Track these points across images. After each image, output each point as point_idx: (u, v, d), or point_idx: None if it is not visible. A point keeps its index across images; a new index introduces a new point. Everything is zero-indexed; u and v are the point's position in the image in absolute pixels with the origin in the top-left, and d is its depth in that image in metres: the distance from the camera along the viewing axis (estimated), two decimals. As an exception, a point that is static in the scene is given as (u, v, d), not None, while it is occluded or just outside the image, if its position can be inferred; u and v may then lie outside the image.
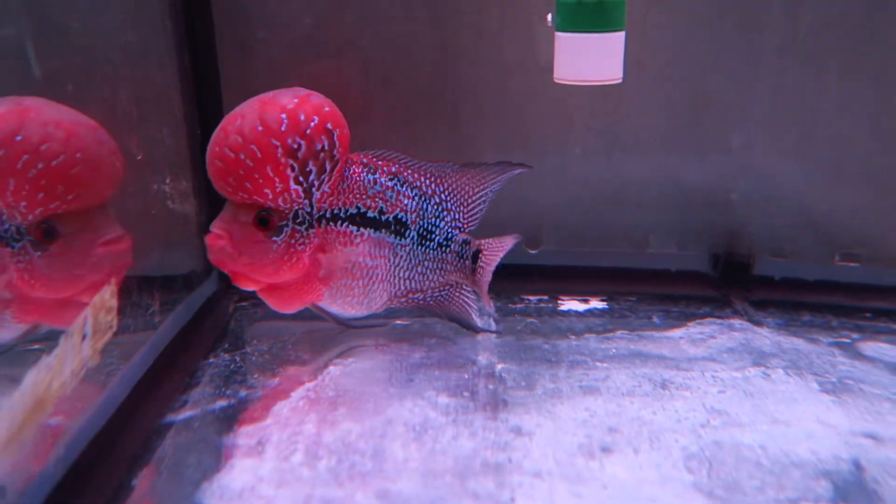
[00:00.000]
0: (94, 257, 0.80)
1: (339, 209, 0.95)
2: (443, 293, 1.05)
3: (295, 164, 0.89)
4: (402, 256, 1.00)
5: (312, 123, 0.89)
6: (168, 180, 1.04)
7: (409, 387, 0.94)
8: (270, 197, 0.90)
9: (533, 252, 1.27)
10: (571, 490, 0.73)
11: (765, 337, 1.05)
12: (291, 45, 1.19)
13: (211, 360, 1.01)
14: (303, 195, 0.92)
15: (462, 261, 1.04)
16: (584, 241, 1.26)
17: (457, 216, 1.04)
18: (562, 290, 1.22)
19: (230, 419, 0.87)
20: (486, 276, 1.06)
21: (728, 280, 1.21)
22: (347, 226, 0.96)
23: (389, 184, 0.99)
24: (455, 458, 0.79)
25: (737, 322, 1.10)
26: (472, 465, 0.78)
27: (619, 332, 1.08)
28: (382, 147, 1.04)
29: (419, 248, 1.01)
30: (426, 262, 1.02)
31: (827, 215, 1.19)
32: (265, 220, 0.91)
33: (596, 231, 1.25)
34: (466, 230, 1.05)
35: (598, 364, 0.99)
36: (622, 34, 1.04)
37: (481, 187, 1.06)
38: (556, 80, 1.09)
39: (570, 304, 1.19)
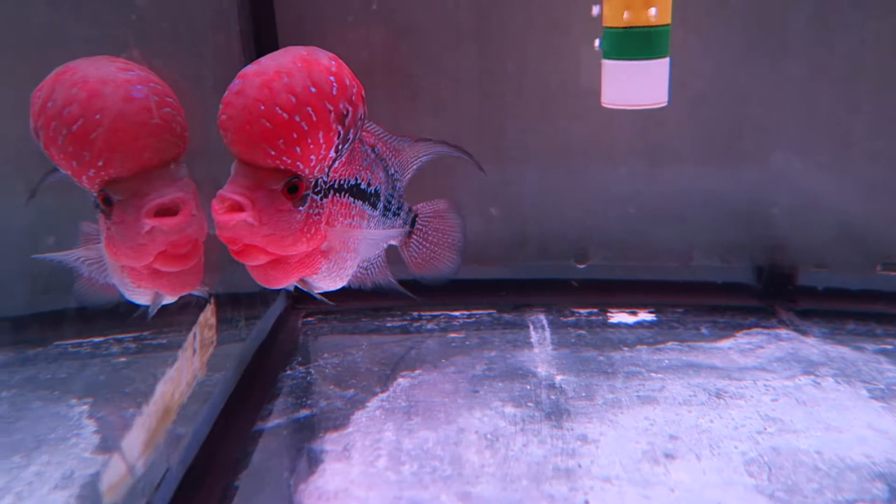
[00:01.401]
0: (143, 226, 0.68)
1: (345, 180, 0.89)
2: (378, 261, 1.02)
3: (341, 131, 0.80)
4: (372, 228, 0.96)
5: (355, 89, 0.81)
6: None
7: (475, 398, 1.00)
8: (312, 163, 0.79)
9: (581, 267, 1.33)
10: (640, 493, 0.79)
11: (812, 346, 1.10)
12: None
13: (288, 372, 1.09)
14: (332, 162, 0.83)
15: (405, 227, 1.03)
16: (629, 256, 1.32)
17: (401, 185, 1.02)
18: (610, 304, 1.28)
19: (314, 427, 0.94)
20: (421, 241, 1.06)
21: (772, 291, 1.26)
22: (348, 197, 0.89)
23: (373, 155, 0.95)
24: (528, 464, 0.85)
25: (783, 332, 1.15)
26: (545, 470, 0.84)
27: (669, 344, 1.14)
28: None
29: (382, 218, 0.98)
30: (380, 233, 0.99)
31: (866, 227, 1.24)
32: (295, 188, 0.78)
33: (641, 247, 1.31)
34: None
35: (652, 375, 1.04)
36: (667, 60, 1.10)
37: (416, 158, 1.04)
38: (603, 105, 1.15)
39: (620, 317, 1.25)
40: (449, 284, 1.34)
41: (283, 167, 0.76)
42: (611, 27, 1.07)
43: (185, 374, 0.77)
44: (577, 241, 1.33)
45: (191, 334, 0.79)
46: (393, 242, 1.04)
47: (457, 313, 1.29)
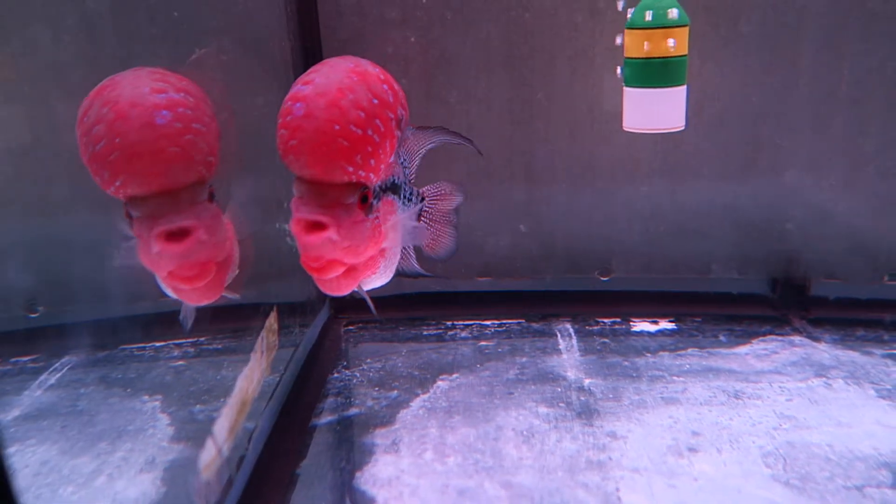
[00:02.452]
0: (154, 247, 0.69)
1: (388, 179, 0.89)
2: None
3: (399, 136, 0.82)
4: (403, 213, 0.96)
5: (401, 93, 0.82)
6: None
7: (510, 399, 1.09)
8: (380, 173, 0.80)
9: (605, 280, 1.41)
10: (667, 483, 0.87)
11: (823, 351, 1.17)
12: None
13: (335, 375, 1.18)
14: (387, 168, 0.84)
15: (416, 207, 1.02)
16: (651, 269, 1.40)
17: (410, 172, 1.02)
18: (633, 314, 1.36)
19: (364, 424, 1.03)
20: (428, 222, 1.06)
21: (786, 301, 1.33)
22: (390, 194, 0.90)
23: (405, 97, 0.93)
24: (562, 457, 0.93)
25: (797, 339, 1.23)
26: (578, 462, 0.92)
27: (689, 350, 1.21)
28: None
29: (404, 208, 0.97)
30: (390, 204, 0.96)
31: (875, 241, 1.31)
32: (366, 198, 0.79)
33: (662, 260, 1.39)
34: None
35: (674, 378, 1.12)
36: (684, 88, 1.19)
37: (421, 146, 1.04)
38: (625, 129, 1.24)
39: (642, 326, 1.33)
40: (482, 296, 1.44)
41: (355, 180, 0.77)
42: (631, 57, 1.16)
43: (256, 372, 0.86)
44: (601, 256, 1.41)
45: (259, 338, 0.89)
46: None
47: (488, 322, 1.37)
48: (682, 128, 1.21)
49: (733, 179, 1.35)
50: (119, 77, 0.70)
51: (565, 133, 1.37)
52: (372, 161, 0.77)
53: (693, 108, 1.22)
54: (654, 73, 1.18)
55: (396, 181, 0.91)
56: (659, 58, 1.16)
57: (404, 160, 1.00)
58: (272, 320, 0.94)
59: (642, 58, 1.16)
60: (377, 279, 0.93)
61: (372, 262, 0.87)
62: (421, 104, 1.38)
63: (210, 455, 0.75)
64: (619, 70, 1.24)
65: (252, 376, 0.84)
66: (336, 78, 0.76)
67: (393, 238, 0.91)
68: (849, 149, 1.30)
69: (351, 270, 0.83)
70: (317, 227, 0.75)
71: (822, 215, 1.33)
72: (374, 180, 0.79)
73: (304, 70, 0.93)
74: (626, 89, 1.19)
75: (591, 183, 1.39)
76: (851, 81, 1.28)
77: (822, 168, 1.32)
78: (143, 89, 0.68)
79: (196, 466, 0.73)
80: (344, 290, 0.87)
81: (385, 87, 0.78)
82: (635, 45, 1.16)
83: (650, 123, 1.23)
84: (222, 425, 0.78)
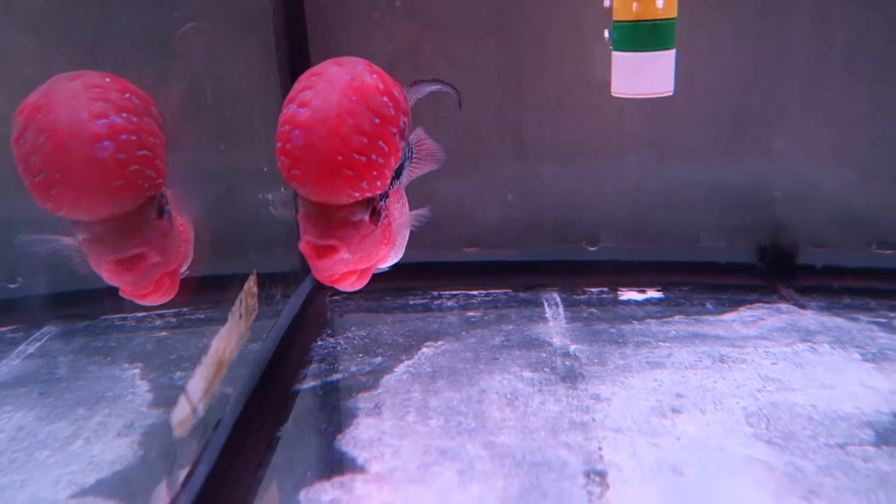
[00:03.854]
0: (104, 274, 0.67)
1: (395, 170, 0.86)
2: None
3: (403, 143, 0.80)
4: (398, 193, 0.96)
5: (402, 98, 0.79)
6: (280, 190, 1.21)
7: (495, 364, 1.08)
8: (387, 183, 0.78)
9: (592, 249, 1.40)
10: (650, 442, 0.86)
11: (810, 318, 1.17)
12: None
13: (319, 342, 1.17)
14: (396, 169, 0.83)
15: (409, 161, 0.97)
16: (638, 239, 1.39)
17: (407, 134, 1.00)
18: (620, 283, 1.36)
19: (346, 389, 1.02)
20: (431, 151, 1.03)
21: (774, 270, 1.33)
22: (395, 182, 0.87)
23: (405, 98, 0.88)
24: (545, 419, 0.92)
25: (784, 306, 1.22)
26: (561, 423, 0.91)
27: (676, 317, 1.21)
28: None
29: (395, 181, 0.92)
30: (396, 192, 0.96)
31: (863, 209, 1.31)
32: (376, 210, 0.79)
33: (650, 230, 1.39)
34: None
35: (660, 344, 1.11)
36: (673, 52, 1.17)
37: (412, 101, 1.02)
38: (613, 94, 1.23)
39: (629, 295, 1.32)
40: (469, 267, 1.43)
41: (361, 198, 0.74)
42: (620, 20, 1.15)
43: (234, 334, 0.85)
44: (589, 226, 1.40)
45: (237, 300, 0.87)
46: None
47: (475, 292, 1.36)
48: (671, 93, 1.20)
49: (722, 149, 1.34)
50: (54, 93, 0.66)
51: (554, 102, 1.36)
52: (378, 181, 0.75)
53: (683, 77, 1.20)
54: (643, 36, 1.17)
55: (401, 163, 0.85)
56: (648, 20, 1.14)
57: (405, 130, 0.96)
58: (251, 283, 0.93)
59: (631, 21, 1.14)
60: (391, 260, 0.92)
61: (385, 255, 0.86)
62: (408, 72, 1.36)
63: (184, 413, 0.74)
64: (607, 34, 1.23)
65: (230, 338, 0.83)
66: (334, 99, 0.73)
67: (401, 223, 0.89)
68: (838, 117, 1.29)
69: (363, 271, 0.83)
70: (328, 250, 0.73)
71: (810, 184, 1.32)
72: (382, 189, 0.77)
73: (285, 34, 0.89)
74: (615, 53, 1.18)
75: (579, 153, 1.38)
76: (841, 47, 1.27)
77: (812, 137, 1.31)
78: (82, 114, 0.64)
79: (169, 423, 0.72)
80: (358, 287, 0.86)
81: (385, 98, 0.75)
82: (624, 7, 1.14)
83: (639, 88, 1.21)
84: (197, 384, 0.76)
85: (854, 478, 0.77)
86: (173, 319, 1.23)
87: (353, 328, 1.23)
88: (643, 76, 1.20)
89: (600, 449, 0.85)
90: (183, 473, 0.73)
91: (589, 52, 1.33)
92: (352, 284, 0.83)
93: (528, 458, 0.84)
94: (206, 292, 1.17)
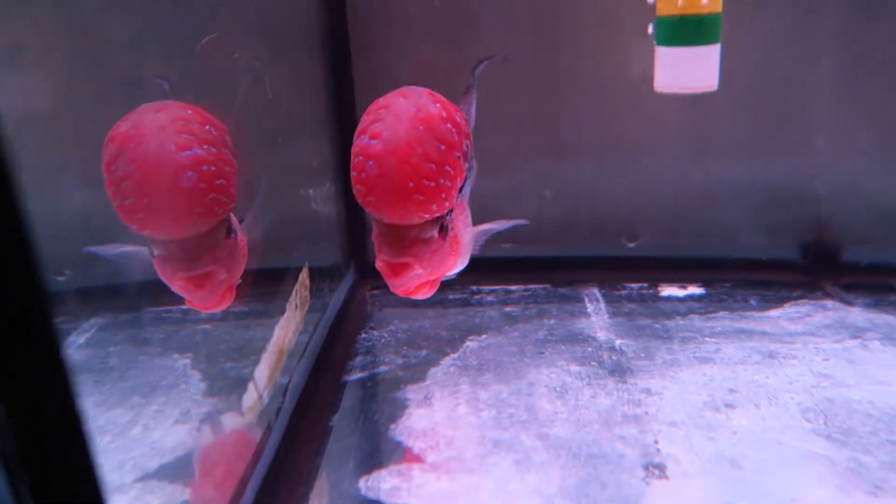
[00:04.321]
0: (175, 286, 0.75)
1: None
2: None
3: (466, 164, 0.86)
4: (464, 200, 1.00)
5: (463, 121, 0.85)
6: (327, 185, 1.21)
7: (541, 358, 1.08)
8: (451, 202, 0.84)
9: (631, 245, 1.40)
10: (705, 436, 0.86)
11: (857, 315, 1.16)
12: (414, 67, 1.36)
13: (363, 335, 1.17)
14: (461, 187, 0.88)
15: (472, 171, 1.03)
16: (678, 235, 1.38)
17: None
18: (660, 279, 1.35)
19: (395, 380, 1.02)
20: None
21: (817, 267, 1.32)
22: (460, 196, 0.91)
23: (465, 121, 0.94)
24: (598, 412, 0.92)
25: (829, 303, 1.21)
26: (614, 416, 0.91)
27: (720, 313, 1.20)
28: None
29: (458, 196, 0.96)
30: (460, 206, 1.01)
31: (908, 207, 1.30)
32: (444, 226, 0.85)
33: (689, 226, 1.38)
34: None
35: (707, 339, 1.11)
36: (718, 46, 1.17)
37: (469, 106, 1.05)
38: (656, 90, 1.22)
39: (670, 291, 1.32)
40: (507, 262, 1.43)
41: (431, 218, 0.81)
42: (665, 15, 1.14)
43: (291, 324, 0.86)
44: (627, 221, 1.40)
45: (293, 291, 0.88)
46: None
47: (513, 287, 1.36)
48: (715, 88, 1.19)
49: (762, 145, 1.33)
50: (143, 124, 0.72)
51: (592, 98, 1.36)
52: (446, 202, 0.82)
53: (723, 73, 1.20)
54: (689, 30, 1.16)
55: (465, 177, 0.91)
56: (694, 15, 1.14)
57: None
58: (304, 276, 0.94)
59: (676, 15, 1.14)
60: (458, 268, 0.97)
61: (452, 265, 0.92)
62: (446, 68, 1.36)
63: (252, 399, 0.75)
64: (650, 28, 1.22)
65: (288, 327, 0.83)
66: (403, 130, 0.79)
67: (467, 233, 0.94)
68: (878, 114, 1.28)
69: (434, 281, 0.89)
70: (403, 267, 0.81)
71: (851, 181, 1.31)
72: (450, 207, 0.83)
73: (329, 34, 0.90)
74: (659, 48, 1.17)
75: (617, 148, 1.37)
76: (883, 43, 1.25)
77: (852, 133, 1.30)
78: (170, 146, 0.71)
79: (240, 408, 0.73)
80: (429, 295, 0.92)
81: (449, 125, 0.80)
82: (669, 2, 1.14)
83: (683, 83, 1.21)
84: (262, 371, 0.77)
85: (919, 473, 0.77)
86: (218, 313, 1.24)
87: (395, 322, 1.23)
88: (687, 71, 1.20)
89: (656, 442, 0.85)
90: (246, 461, 0.74)
91: (626, 46, 1.33)
92: (423, 294, 0.89)
93: (584, 450, 0.84)
94: (251, 286, 1.19)
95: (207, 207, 0.73)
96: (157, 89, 0.84)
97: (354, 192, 0.82)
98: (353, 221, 1.35)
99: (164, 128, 0.72)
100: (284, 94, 1.14)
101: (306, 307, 0.94)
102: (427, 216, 0.81)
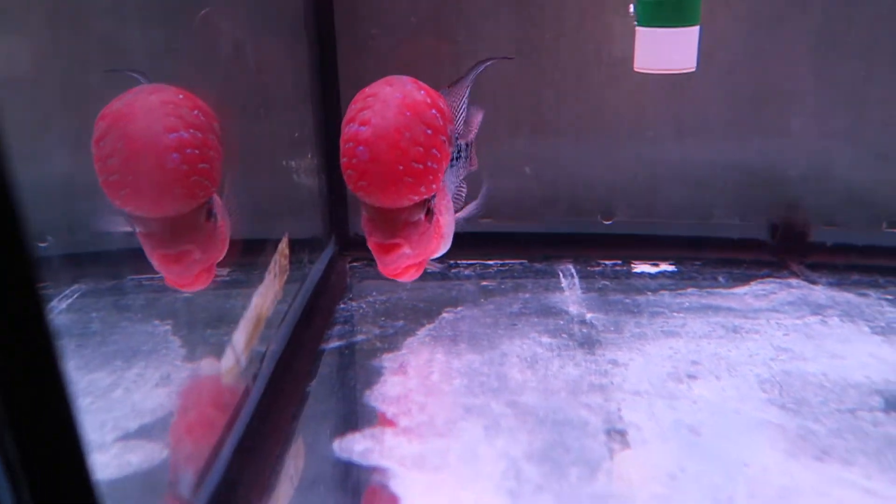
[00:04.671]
0: (154, 263, 0.80)
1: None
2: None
3: (452, 150, 0.91)
4: (450, 181, 1.05)
5: (446, 108, 0.89)
6: (309, 157, 1.23)
7: (514, 330, 1.11)
8: (439, 185, 0.90)
9: (607, 223, 1.43)
10: (667, 404, 0.90)
11: (820, 293, 1.20)
12: (397, 40, 1.37)
13: (342, 305, 1.20)
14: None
15: (466, 161, 1.10)
16: (653, 213, 1.42)
17: (456, 129, 1.06)
18: (633, 257, 1.38)
19: (371, 349, 1.05)
20: (474, 160, 1.14)
21: (785, 247, 1.36)
22: (442, 182, 0.96)
23: (449, 108, 0.98)
24: (565, 381, 0.96)
25: (794, 281, 1.25)
26: (581, 386, 0.95)
27: (689, 290, 1.24)
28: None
29: (452, 170, 1.05)
30: (454, 178, 1.08)
31: (874, 189, 1.33)
32: (430, 210, 0.91)
33: (665, 205, 1.41)
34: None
35: (674, 314, 1.15)
36: (697, 28, 1.19)
37: (461, 99, 1.08)
38: (636, 70, 1.25)
39: (643, 268, 1.35)
40: (485, 237, 1.46)
41: (419, 201, 0.87)
42: (646, -4, 1.16)
43: (270, 292, 0.88)
44: (604, 199, 1.43)
45: (272, 260, 0.90)
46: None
47: (491, 262, 1.39)
48: (694, 69, 1.21)
49: (739, 127, 1.36)
50: (135, 104, 0.75)
51: (573, 76, 1.37)
52: (433, 184, 0.87)
53: (703, 55, 1.22)
54: (669, 11, 1.18)
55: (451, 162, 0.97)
56: (673, -3, 1.16)
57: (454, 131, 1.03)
58: (284, 245, 0.96)
59: (656, -3, 1.15)
60: (441, 251, 1.04)
61: (436, 247, 0.99)
62: (429, 42, 1.38)
63: (230, 362, 0.77)
64: (631, 8, 1.24)
65: (266, 294, 0.86)
66: (391, 116, 0.84)
67: (449, 217, 1.00)
68: (854, 98, 1.31)
69: (420, 263, 0.96)
70: (393, 247, 0.88)
71: (824, 164, 1.35)
72: (436, 190, 0.88)
73: (312, 5, 0.93)
74: (639, 29, 1.19)
75: (597, 127, 1.40)
76: (860, 27, 1.28)
77: (828, 117, 1.33)
78: (157, 127, 0.74)
79: (218, 371, 0.76)
80: (415, 277, 0.99)
81: (434, 111, 0.86)
82: (650, -17, 1.15)
83: (662, 64, 1.23)
84: (240, 337, 0.80)
85: (864, 440, 0.81)
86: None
87: (374, 293, 1.26)
88: (667, 52, 1.22)
89: (619, 410, 0.89)
90: (225, 421, 0.76)
91: (607, 27, 1.34)
92: (410, 276, 0.97)
93: (551, 416, 0.88)
94: (233, 256, 1.21)
95: (189, 189, 0.75)
96: (134, 83, 0.85)
97: (345, 177, 0.86)
98: (335, 194, 1.37)
99: (153, 109, 0.74)
100: (268, 65, 1.15)
101: (285, 276, 0.96)
102: (416, 198, 0.86)
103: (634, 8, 1.19)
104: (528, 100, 1.40)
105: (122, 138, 0.72)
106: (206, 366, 0.91)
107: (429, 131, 0.85)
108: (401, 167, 0.83)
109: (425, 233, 0.90)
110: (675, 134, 1.38)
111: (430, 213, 0.90)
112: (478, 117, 1.16)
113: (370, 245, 0.89)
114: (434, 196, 0.90)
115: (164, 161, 0.73)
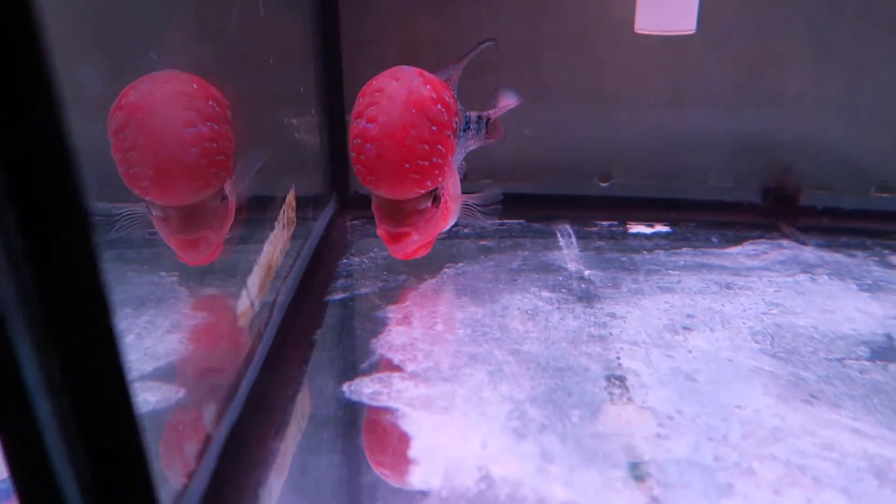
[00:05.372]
0: (170, 243, 0.86)
1: None
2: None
3: (456, 139, 0.95)
4: (458, 154, 1.09)
5: (452, 101, 0.93)
6: (311, 114, 1.23)
7: (515, 284, 1.14)
8: (445, 174, 0.94)
9: (604, 185, 1.46)
10: (664, 353, 0.93)
11: (810, 253, 1.24)
12: (399, 2, 1.37)
13: (344, 261, 1.22)
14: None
15: (479, 132, 1.17)
16: (650, 176, 1.44)
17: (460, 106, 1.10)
18: (629, 218, 1.41)
19: (376, 301, 1.08)
20: (498, 132, 1.22)
21: (776, 210, 1.39)
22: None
23: (454, 98, 1.02)
24: (566, 332, 0.99)
25: (785, 242, 1.29)
26: (580, 336, 0.98)
27: (684, 249, 1.27)
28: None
29: (461, 139, 1.09)
30: (462, 151, 1.12)
31: (865, 154, 1.37)
32: (437, 197, 0.95)
33: (661, 169, 1.44)
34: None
35: (670, 272, 1.18)
36: (697, -9, 1.20)
37: (459, 72, 1.13)
38: (636, 31, 1.26)
39: (638, 228, 1.38)
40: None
41: (426, 192, 0.93)
42: (648, -42, 1.17)
43: (279, 242, 0.90)
44: (602, 163, 1.45)
45: (280, 211, 0.92)
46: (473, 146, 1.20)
47: (489, 222, 1.41)
48: (693, 30, 1.23)
49: (736, 92, 1.38)
50: (152, 95, 0.77)
51: (574, 41, 1.38)
52: (440, 177, 0.92)
53: (701, 21, 1.23)
54: (669, -27, 1.19)
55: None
56: (674, -42, 1.17)
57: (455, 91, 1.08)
58: (291, 198, 0.97)
59: (658, -43, 1.16)
60: (448, 226, 1.10)
61: (442, 224, 1.05)
62: (433, 5, 1.38)
63: (245, 305, 0.79)
64: (633, -31, 1.24)
65: (276, 243, 0.88)
66: (397, 114, 0.88)
67: (455, 196, 1.05)
68: (850, 65, 1.34)
69: (428, 242, 1.05)
70: (402, 235, 0.94)
71: (818, 129, 1.37)
72: (443, 181, 0.94)
73: None
74: (640, -9, 1.20)
75: (596, 91, 1.41)
76: (857, -5, 1.30)
77: (823, 83, 1.35)
78: (175, 121, 0.77)
79: (234, 312, 0.77)
80: (422, 254, 1.07)
81: (439, 106, 0.90)
82: (651, -56, 1.16)
83: (662, 25, 1.24)
84: (254, 281, 0.82)
85: (851, 386, 0.85)
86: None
87: (375, 250, 1.27)
88: (667, 13, 1.24)
89: (618, 358, 0.92)
90: (238, 364, 0.79)
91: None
92: (419, 254, 1.04)
93: (552, 363, 0.91)
94: (237, 212, 1.22)
95: (207, 180, 0.80)
96: (148, 61, 0.87)
97: (355, 171, 0.91)
98: (336, 152, 1.38)
99: (170, 102, 0.78)
100: (273, 16, 1.15)
101: (292, 228, 0.98)
102: (422, 191, 0.91)
103: (637, -32, 1.20)
104: (530, 62, 1.41)
105: (142, 133, 0.76)
106: (219, 310, 0.93)
107: (434, 127, 0.89)
108: (407, 165, 0.88)
109: (432, 218, 0.96)
110: (674, 99, 1.40)
111: (437, 199, 0.95)
112: (511, 100, 1.20)
113: (380, 233, 0.95)
114: (441, 185, 0.95)
115: (183, 157, 0.77)
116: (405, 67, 0.94)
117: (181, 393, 0.78)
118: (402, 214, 0.94)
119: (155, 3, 0.88)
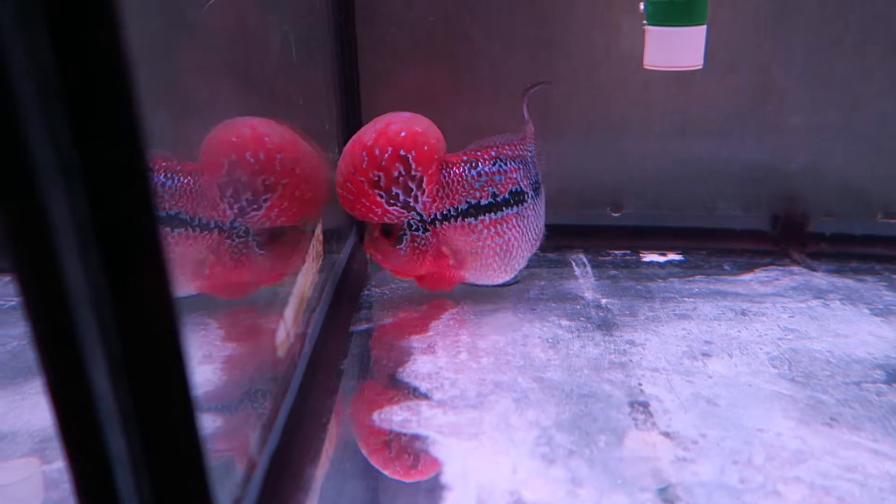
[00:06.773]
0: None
1: (449, 210, 1.09)
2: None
3: (381, 192, 1.05)
4: (529, 216, 1.17)
5: (387, 155, 1.03)
6: (335, 150, 1.28)
7: (534, 313, 1.16)
8: (378, 217, 1.08)
9: (616, 215, 1.49)
10: (685, 379, 0.96)
11: (821, 279, 1.27)
12: (415, 38, 1.42)
13: (366, 292, 1.25)
14: (404, 210, 1.08)
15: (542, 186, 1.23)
16: (660, 206, 1.48)
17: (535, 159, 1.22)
18: (642, 247, 1.44)
19: (399, 331, 1.10)
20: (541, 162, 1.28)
21: (786, 237, 1.42)
22: (462, 220, 1.10)
23: (494, 168, 1.12)
24: (587, 359, 1.01)
25: (796, 269, 1.32)
26: (602, 363, 1.00)
27: (697, 277, 1.30)
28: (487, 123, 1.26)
29: (536, 200, 1.18)
30: (540, 207, 1.21)
31: (870, 181, 1.40)
32: (387, 232, 1.10)
33: (670, 198, 1.47)
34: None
35: (685, 299, 1.21)
36: (704, 27, 1.25)
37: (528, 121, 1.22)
38: (645, 67, 1.31)
39: (651, 257, 1.41)
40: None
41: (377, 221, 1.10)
42: (655, -3, 1.22)
43: (309, 274, 0.93)
44: (613, 193, 1.49)
45: (310, 244, 0.95)
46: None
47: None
48: (701, 66, 1.28)
49: (741, 123, 1.43)
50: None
51: (582, 73, 1.43)
52: (355, 212, 1.09)
53: (706, 54, 1.28)
54: (677, 11, 1.24)
55: (486, 201, 1.13)
56: (682, -3, 1.22)
57: (531, 153, 1.21)
58: (319, 231, 1.00)
59: (666, -3, 1.21)
60: (488, 279, 1.19)
61: (445, 273, 1.17)
62: (446, 41, 1.43)
63: (283, 335, 0.82)
64: (641, 6, 1.30)
65: (307, 276, 0.91)
66: (351, 142, 1.08)
67: (477, 255, 1.15)
68: (850, 94, 1.38)
69: (421, 278, 1.18)
70: (367, 248, 1.16)
71: (822, 157, 1.41)
72: (385, 220, 1.10)
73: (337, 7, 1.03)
74: (649, 27, 1.25)
75: (605, 123, 1.46)
76: (856, 27, 1.35)
77: (825, 112, 1.40)
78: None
79: (273, 343, 0.80)
80: (435, 290, 1.21)
81: (364, 154, 1.04)
82: (659, -16, 1.21)
83: (671, 62, 1.29)
84: (289, 313, 0.84)
85: (869, 408, 0.87)
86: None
87: (395, 282, 1.30)
88: (675, 50, 1.28)
89: (640, 385, 0.94)
90: (275, 393, 0.81)
91: (616, 25, 1.40)
92: (430, 286, 1.19)
93: (576, 391, 0.93)
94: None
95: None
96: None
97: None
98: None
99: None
100: (302, 58, 1.20)
101: (321, 260, 1.01)
102: (352, 213, 1.09)
103: (644, 7, 1.25)
104: (539, 95, 1.45)
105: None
106: (260, 341, 0.95)
107: (352, 171, 1.05)
108: (338, 186, 1.08)
109: (391, 252, 1.12)
110: (681, 130, 1.44)
111: (396, 238, 1.10)
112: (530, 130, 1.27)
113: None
114: (412, 225, 1.09)
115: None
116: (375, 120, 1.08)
117: (222, 421, 0.81)
118: (368, 233, 1.14)
119: (210, 55, 0.93)
